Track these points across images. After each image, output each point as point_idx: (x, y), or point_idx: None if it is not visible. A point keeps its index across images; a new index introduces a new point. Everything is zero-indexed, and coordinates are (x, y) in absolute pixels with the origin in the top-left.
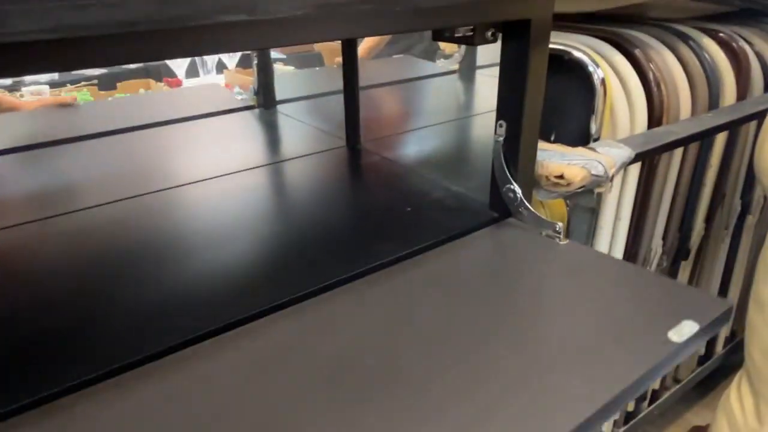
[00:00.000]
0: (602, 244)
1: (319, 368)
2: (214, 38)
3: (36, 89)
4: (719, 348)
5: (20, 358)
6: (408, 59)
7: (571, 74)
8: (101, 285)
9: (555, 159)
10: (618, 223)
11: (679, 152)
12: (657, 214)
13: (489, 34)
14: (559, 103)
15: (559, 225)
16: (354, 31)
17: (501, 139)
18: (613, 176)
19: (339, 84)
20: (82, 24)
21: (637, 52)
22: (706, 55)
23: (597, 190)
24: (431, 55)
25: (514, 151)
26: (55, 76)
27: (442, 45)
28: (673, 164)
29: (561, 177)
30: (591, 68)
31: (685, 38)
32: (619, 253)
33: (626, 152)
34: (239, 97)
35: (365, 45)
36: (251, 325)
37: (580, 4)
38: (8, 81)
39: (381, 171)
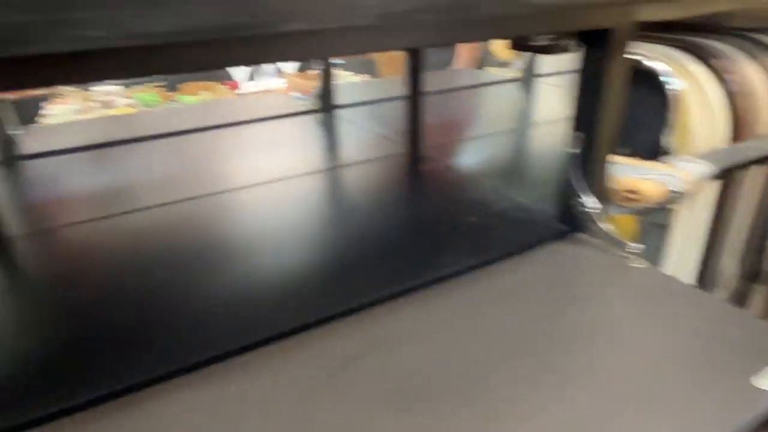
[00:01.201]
0: (671, 263)
1: (385, 381)
2: (276, 47)
3: (106, 90)
4: None
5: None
6: (462, 70)
7: (644, 84)
8: (165, 284)
9: (628, 173)
10: (689, 242)
11: (759, 169)
12: (731, 234)
13: (568, 43)
14: (629, 115)
15: (635, 246)
16: (421, 41)
17: (574, 150)
18: (689, 193)
19: (395, 91)
20: (150, 32)
21: (718, 62)
22: None
23: (671, 207)
24: (480, 63)
25: (588, 164)
26: None
27: (496, 53)
28: (753, 181)
29: (635, 192)
30: (668, 78)
31: (767, 48)
32: (688, 272)
33: (705, 168)
34: (300, 102)
35: (468, 55)
36: (316, 331)
37: (661, 12)
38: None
39: (443, 178)
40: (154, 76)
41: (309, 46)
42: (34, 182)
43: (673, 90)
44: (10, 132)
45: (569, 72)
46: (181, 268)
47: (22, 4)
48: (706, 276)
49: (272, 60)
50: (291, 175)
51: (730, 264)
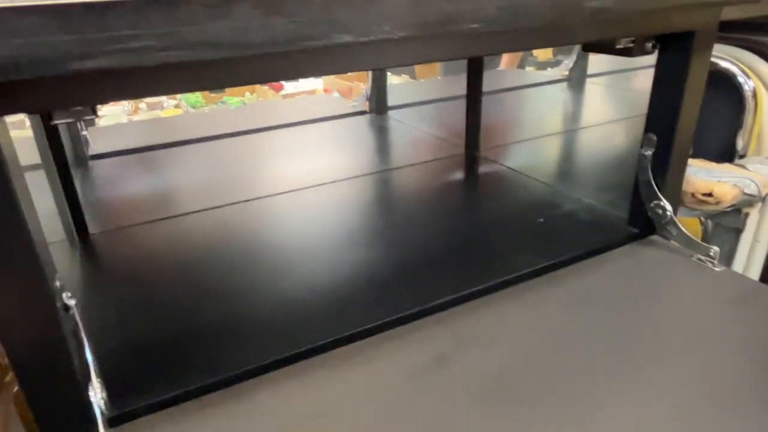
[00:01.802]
0: (737, 267)
1: (478, 380)
2: (325, 60)
3: None
4: None
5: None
6: (509, 70)
7: (716, 85)
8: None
9: (701, 175)
10: (756, 245)
11: None
12: None
13: (649, 45)
14: (700, 116)
15: (715, 249)
16: (482, 49)
17: (649, 152)
18: (766, 196)
19: (441, 93)
20: (201, 42)
21: None
22: None
23: (745, 210)
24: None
25: (663, 166)
26: None
27: (535, 52)
28: None
29: (710, 195)
30: (741, 79)
31: None
32: (755, 276)
33: None
34: (348, 103)
35: (512, 55)
36: (404, 328)
37: (741, 12)
38: None
39: (505, 180)
40: None
41: (357, 58)
42: (102, 182)
43: (746, 91)
44: (83, 132)
45: (618, 71)
46: (260, 267)
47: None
48: None
49: (323, 73)
50: (350, 176)
51: None
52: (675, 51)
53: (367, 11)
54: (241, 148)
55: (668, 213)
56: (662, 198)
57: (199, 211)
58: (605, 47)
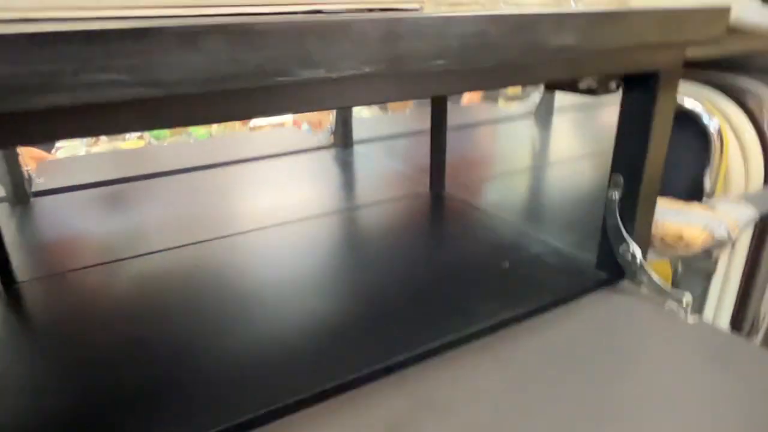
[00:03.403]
0: (708, 309)
1: None
2: (296, 96)
3: None
4: None
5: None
6: (475, 105)
7: (681, 125)
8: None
9: (670, 217)
10: (726, 286)
11: None
12: (766, 282)
13: (613, 84)
14: (667, 156)
15: (687, 298)
16: (447, 88)
17: (616, 194)
18: (735, 239)
19: (409, 127)
20: (172, 81)
21: (750, 101)
22: None
23: (715, 254)
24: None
25: (631, 208)
26: None
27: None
28: None
29: (680, 238)
30: (706, 119)
31: None
32: (725, 318)
33: (750, 212)
34: (313, 136)
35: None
36: (353, 393)
37: (705, 52)
38: None
39: (469, 219)
40: None
41: (328, 94)
42: (43, 221)
43: (711, 132)
44: (25, 168)
45: (585, 106)
46: (193, 324)
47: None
48: (741, 321)
49: (294, 110)
50: (310, 216)
51: (765, 308)
52: (639, 91)
53: (339, 45)
54: (199, 184)
55: (638, 258)
56: (631, 242)
57: (146, 254)
58: (568, 86)
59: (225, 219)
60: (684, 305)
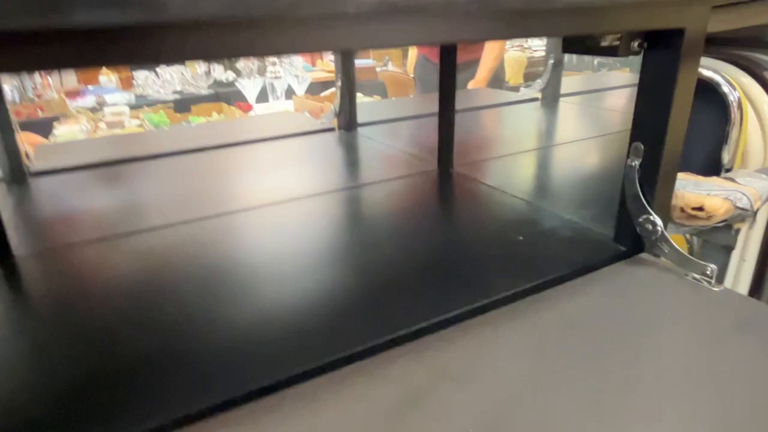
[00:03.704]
0: (726, 284)
1: (442, 426)
2: (309, 32)
3: (117, 110)
4: None
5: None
6: (480, 90)
7: (700, 96)
8: (198, 310)
9: (689, 188)
10: (743, 265)
11: None
12: None
13: (636, 44)
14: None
15: (712, 267)
16: (460, 33)
17: (636, 163)
18: (757, 210)
19: (412, 111)
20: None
21: (767, 75)
22: None
23: (736, 226)
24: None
25: (652, 177)
26: (133, 98)
27: (507, 76)
28: None
29: (700, 209)
30: (726, 89)
31: None
32: (742, 292)
33: None
34: (319, 121)
35: (485, 76)
36: (369, 360)
37: (732, 19)
38: (92, 102)
39: (481, 196)
40: (164, 99)
41: (346, 32)
42: (40, 200)
43: (732, 101)
44: (22, 147)
45: (588, 92)
46: (207, 294)
47: None
48: (759, 296)
49: (308, 48)
50: (322, 192)
51: None
52: (663, 51)
53: None
54: (201, 165)
55: (659, 228)
56: (652, 212)
57: (146, 230)
58: (589, 47)
59: (235, 196)
60: (708, 274)
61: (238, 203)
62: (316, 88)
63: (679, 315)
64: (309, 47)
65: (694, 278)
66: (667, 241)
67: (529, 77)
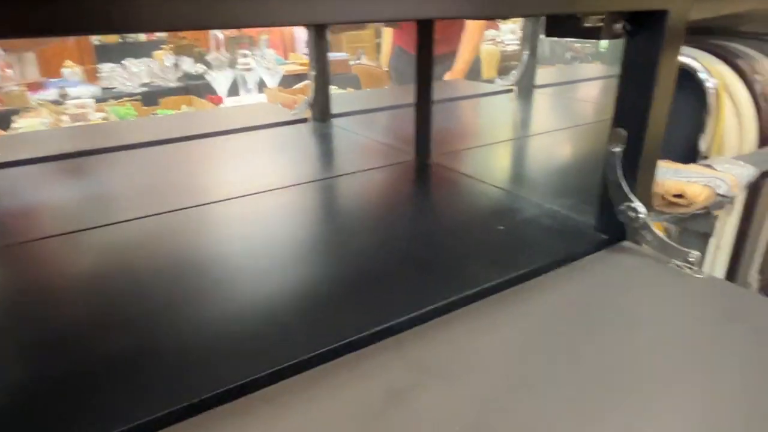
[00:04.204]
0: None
1: (424, 424)
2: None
3: (80, 102)
4: None
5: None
6: (456, 82)
7: (677, 84)
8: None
9: (669, 176)
10: (718, 253)
11: None
12: (756, 244)
13: (618, 26)
14: None
15: (695, 254)
16: (448, 9)
17: (618, 149)
18: (734, 198)
19: (385, 102)
20: None
21: (742, 63)
22: None
23: (715, 213)
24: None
25: (634, 164)
26: (99, 91)
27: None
28: None
29: (681, 196)
30: (703, 75)
31: None
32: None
33: (750, 170)
34: (291, 113)
35: (462, 68)
36: (334, 363)
37: (713, 6)
38: (54, 95)
39: (460, 186)
40: (131, 92)
41: (313, 4)
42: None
43: (709, 89)
44: None
45: (562, 83)
46: (179, 289)
47: None
48: (733, 282)
49: (278, 21)
50: (297, 183)
51: (753, 276)
52: (646, 34)
53: None
54: (169, 156)
55: (641, 216)
56: (634, 199)
57: (110, 224)
58: (571, 29)
59: (204, 188)
60: (691, 260)
61: (206, 196)
62: (289, 81)
63: (663, 302)
64: (274, 19)
65: (677, 265)
66: (649, 228)
67: (503, 71)
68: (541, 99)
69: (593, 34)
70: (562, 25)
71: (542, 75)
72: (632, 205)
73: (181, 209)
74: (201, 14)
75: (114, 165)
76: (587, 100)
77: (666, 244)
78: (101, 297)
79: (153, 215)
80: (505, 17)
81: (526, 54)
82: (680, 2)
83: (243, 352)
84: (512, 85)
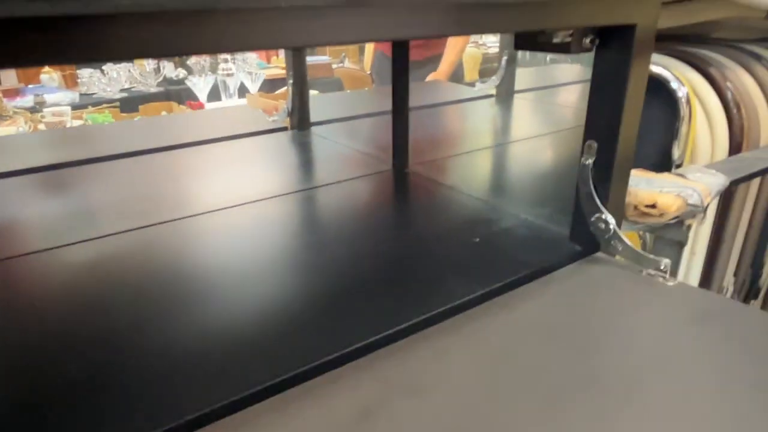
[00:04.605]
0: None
1: None
2: (244, 29)
3: (58, 110)
4: None
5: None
6: (437, 83)
7: (649, 93)
8: (140, 325)
9: (642, 185)
10: (693, 258)
11: (756, 182)
12: (731, 249)
13: (587, 40)
14: None
15: (665, 262)
16: (414, 30)
17: (590, 161)
18: (707, 206)
19: (366, 107)
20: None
21: (713, 70)
22: None
23: (688, 222)
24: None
25: (605, 176)
26: (77, 98)
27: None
28: (750, 195)
29: (653, 206)
30: (675, 85)
31: (758, 58)
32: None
33: (720, 179)
34: (270, 119)
35: (447, 70)
36: (304, 386)
37: (680, 16)
38: (31, 102)
39: (436, 196)
40: (110, 98)
41: (281, 28)
42: None
43: (680, 97)
44: None
45: (543, 88)
46: (148, 310)
47: None
48: (709, 290)
49: (252, 46)
50: (272, 196)
51: (728, 280)
52: (615, 47)
53: None
54: (144, 168)
55: (611, 227)
56: (604, 211)
57: (80, 242)
58: (541, 43)
59: (180, 202)
60: (663, 269)
61: (174, 212)
62: (270, 85)
63: (636, 310)
64: (252, 45)
65: (649, 274)
66: (620, 239)
67: (485, 73)
68: (520, 104)
69: (563, 48)
70: (532, 40)
71: (522, 77)
72: (602, 216)
73: (148, 226)
74: (181, 41)
75: (77, 179)
76: (567, 105)
77: (637, 253)
78: (58, 318)
79: (118, 233)
80: (474, 33)
81: (504, 58)
82: (648, 15)
83: (206, 378)
84: (492, 87)
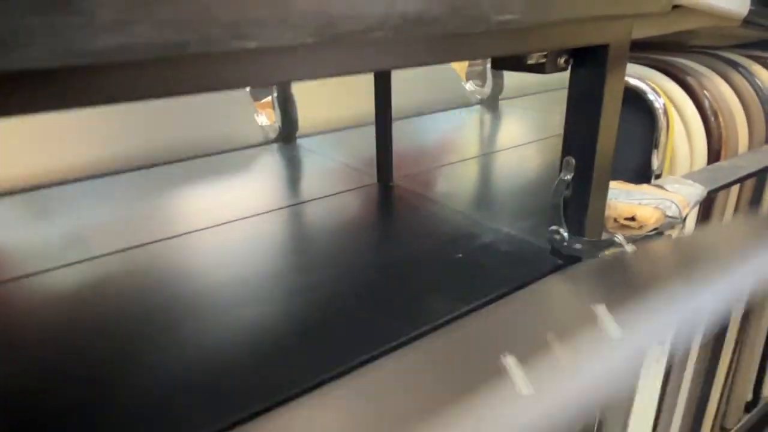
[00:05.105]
0: None
1: None
2: (227, 69)
3: None
4: (767, 392)
5: None
6: None
7: (627, 104)
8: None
9: (621, 198)
10: None
11: (735, 189)
12: None
13: (562, 60)
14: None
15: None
16: (397, 61)
17: (568, 177)
18: (686, 217)
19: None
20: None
21: (691, 80)
22: (759, 83)
23: (667, 233)
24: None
25: (584, 191)
26: None
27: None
28: (729, 203)
29: (632, 219)
30: (652, 96)
31: (735, 65)
32: None
33: (698, 190)
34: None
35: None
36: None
37: (652, 28)
38: None
39: (420, 211)
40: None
41: (258, 67)
42: None
43: (657, 108)
44: None
45: (530, 94)
46: (119, 335)
47: None
48: None
49: (222, 86)
50: (254, 213)
51: None
52: (589, 66)
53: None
54: (120, 186)
55: (592, 240)
56: (584, 225)
57: (48, 270)
58: (516, 64)
59: (161, 221)
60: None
61: (167, 230)
62: (256, 91)
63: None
64: (221, 85)
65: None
66: (601, 253)
67: (470, 75)
68: (506, 111)
69: (538, 69)
70: (507, 60)
71: (509, 81)
72: (559, 229)
73: (122, 251)
74: (143, 87)
75: (53, 198)
76: (554, 112)
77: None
78: (34, 349)
79: (90, 260)
80: (452, 61)
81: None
82: (620, 34)
83: (171, 414)
84: (481, 92)
